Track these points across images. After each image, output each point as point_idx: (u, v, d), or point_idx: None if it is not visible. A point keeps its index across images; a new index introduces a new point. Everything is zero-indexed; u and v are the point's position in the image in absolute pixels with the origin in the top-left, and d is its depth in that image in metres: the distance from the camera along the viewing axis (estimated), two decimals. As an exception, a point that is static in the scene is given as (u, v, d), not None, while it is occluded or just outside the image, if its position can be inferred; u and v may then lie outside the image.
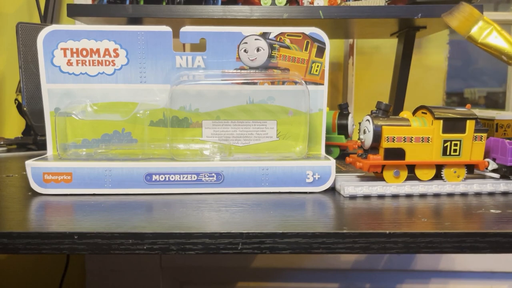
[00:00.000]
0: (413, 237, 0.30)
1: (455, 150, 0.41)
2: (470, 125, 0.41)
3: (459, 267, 0.81)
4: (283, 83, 0.44)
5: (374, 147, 0.41)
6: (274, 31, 0.44)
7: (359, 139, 0.42)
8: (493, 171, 0.44)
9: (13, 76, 0.96)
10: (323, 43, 0.44)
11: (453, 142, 0.41)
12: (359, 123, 0.43)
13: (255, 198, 0.39)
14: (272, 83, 0.44)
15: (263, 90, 0.44)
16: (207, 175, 0.40)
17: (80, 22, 0.66)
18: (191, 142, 0.44)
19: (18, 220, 0.33)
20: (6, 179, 0.47)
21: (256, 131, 0.44)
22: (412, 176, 0.41)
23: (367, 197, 0.40)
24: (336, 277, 0.83)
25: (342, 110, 0.59)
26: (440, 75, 1.02)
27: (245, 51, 0.43)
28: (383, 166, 0.41)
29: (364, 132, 0.41)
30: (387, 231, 0.30)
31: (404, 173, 0.41)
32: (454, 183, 0.41)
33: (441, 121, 0.40)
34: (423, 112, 0.42)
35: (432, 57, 1.02)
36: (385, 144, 0.40)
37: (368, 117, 0.41)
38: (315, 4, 0.66)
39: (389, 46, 0.99)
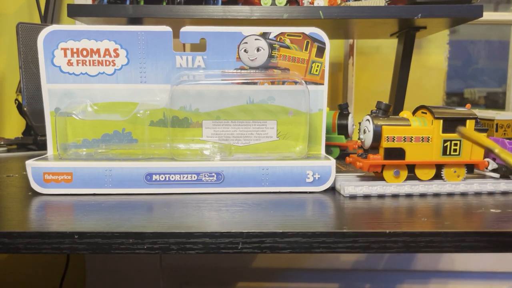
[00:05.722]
0: (413, 237, 0.30)
1: (455, 150, 0.41)
2: (470, 125, 0.41)
3: (459, 267, 0.81)
4: (283, 83, 0.44)
5: (374, 147, 0.41)
6: (274, 31, 0.44)
7: (359, 139, 0.42)
8: (493, 170, 0.44)
9: (13, 76, 0.96)
10: (323, 43, 0.44)
11: (453, 142, 0.41)
12: (359, 123, 0.43)
13: (255, 198, 0.39)
14: (272, 83, 0.44)
15: (263, 90, 0.44)
16: (207, 175, 0.40)
17: (80, 22, 0.66)
18: (191, 142, 0.44)
19: (19, 220, 0.33)
20: (6, 179, 0.47)
21: (256, 131, 0.44)
22: (412, 176, 0.41)
23: (367, 196, 0.40)
24: (336, 277, 0.83)
25: (342, 110, 0.59)
26: (440, 75, 1.02)
27: (245, 51, 0.43)
28: (383, 166, 0.41)
29: (364, 132, 0.41)
30: (387, 231, 0.30)
31: (404, 173, 0.41)
32: (454, 183, 0.41)
33: (441, 121, 0.40)
34: (423, 112, 0.42)
35: (432, 57, 1.02)
36: (385, 144, 0.40)
37: (368, 117, 0.41)
38: (315, 4, 0.66)
39: (389, 46, 0.99)
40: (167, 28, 0.43)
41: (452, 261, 0.80)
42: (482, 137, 0.31)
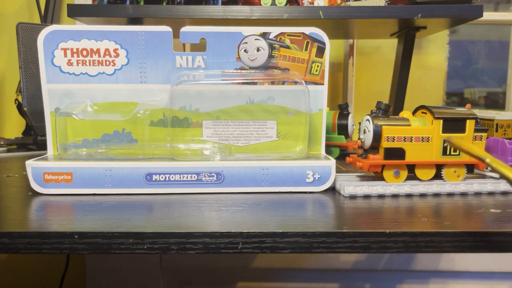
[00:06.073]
0: (413, 237, 0.30)
1: (455, 150, 0.41)
2: (470, 124, 0.41)
3: (459, 267, 0.81)
4: (283, 83, 0.44)
5: (374, 147, 0.41)
6: (274, 31, 0.44)
7: (359, 139, 0.42)
8: (493, 170, 0.44)
9: (13, 76, 0.96)
10: (323, 43, 0.44)
11: (453, 142, 0.41)
12: (359, 123, 0.43)
13: (255, 198, 0.39)
14: (272, 83, 0.44)
15: (263, 90, 0.44)
16: (207, 175, 0.40)
17: (80, 22, 0.66)
18: (191, 142, 0.44)
19: (19, 220, 0.33)
20: (6, 179, 0.47)
21: (256, 131, 0.44)
22: (412, 176, 0.41)
23: (367, 196, 0.40)
24: (336, 277, 0.83)
25: (342, 110, 0.59)
26: (440, 75, 1.02)
27: (245, 51, 0.43)
28: (383, 166, 0.41)
29: (364, 132, 0.41)
30: (387, 231, 0.30)
31: (404, 173, 0.41)
32: (454, 183, 0.41)
33: (441, 121, 0.40)
34: (423, 112, 0.42)
35: (432, 57, 1.02)
36: (385, 144, 0.40)
37: (368, 117, 0.41)
38: (315, 4, 0.66)
39: (389, 46, 0.99)
40: (167, 28, 0.43)
41: (452, 261, 0.80)
42: (472, 147, 0.30)
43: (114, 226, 0.31)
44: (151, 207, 0.36)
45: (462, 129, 0.41)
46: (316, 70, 0.44)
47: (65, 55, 0.42)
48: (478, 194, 0.41)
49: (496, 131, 0.54)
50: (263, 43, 0.44)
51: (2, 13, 0.95)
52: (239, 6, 0.62)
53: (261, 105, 0.44)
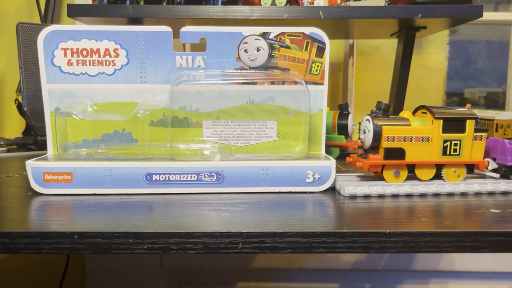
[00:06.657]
0: (413, 237, 0.30)
1: (455, 150, 0.41)
2: (470, 124, 0.41)
3: (459, 267, 0.81)
4: (283, 83, 0.44)
5: (374, 147, 0.41)
6: (274, 31, 0.44)
7: (359, 139, 0.42)
8: (493, 170, 0.44)
9: (13, 76, 0.96)
10: (323, 43, 0.44)
11: (453, 142, 0.41)
12: (359, 123, 0.43)
13: (255, 198, 0.39)
14: (272, 83, 0.44)
15: (263, 90, 0.44)
16: (207, 175, 0.40)
17: (80, 22, 0.66)
18: (191, 142, 0.44)
19: (19, 220, 0.33)
20: (6, 179, 0.47)
21: (256, 131, 0.44)
22: (412, 176, 0.41)
23: (367, 196, 0.40)
24: (336, 277, 0.83)
25: (342, 110, 0.59)
26: (440, 75, 1.02)
27: (245, 51, 0.43)
28: (383, 166, 0.41)
29: (364, 132, 0.41)
30: (387, 231, 0.30)
31: (404, 173, 0.41)
32: (454, 183, 0.41)
33: (441, 121, 0.40)
34: (423, 112, 0.42)
35: (432, 57, 1.02)
36: (385, 144, 0.40)
37: (368, 117, 0.41)
38: (315, 4, 0.66)
39: (389, 46, 0.99)
40: (167, 28, 0.43)
41: (452, 261, 0.81)
42: None
43: (114, 226, 0.31)
44: (151, 207, 0.36)
45: (462, 129, 0.41)
46: (316, 70, 0.44)
47: (65, 55, 0.42)
48: (478, 194, 0.41)
49: (496, 131, 0.54)
50: (263, 43, 0.44)
51: (2, 13, 0.95)
52: (239, 6, 0.62)
53: (261, 105, 0.44)
